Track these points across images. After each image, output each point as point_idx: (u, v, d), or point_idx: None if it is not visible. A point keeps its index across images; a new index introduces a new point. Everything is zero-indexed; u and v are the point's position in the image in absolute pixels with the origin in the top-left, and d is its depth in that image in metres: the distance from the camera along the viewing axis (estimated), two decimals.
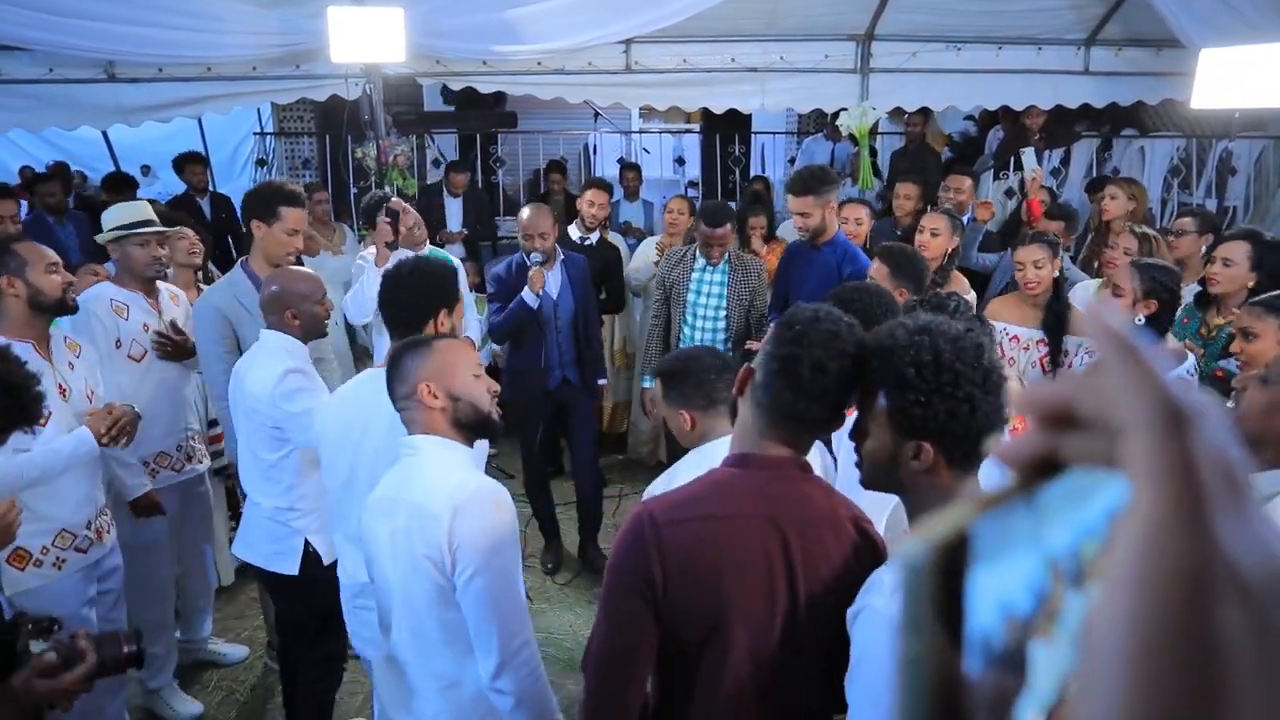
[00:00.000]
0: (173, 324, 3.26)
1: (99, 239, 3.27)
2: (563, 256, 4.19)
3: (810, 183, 3.68)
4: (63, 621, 1.75)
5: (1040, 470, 0.41)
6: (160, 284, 3.33)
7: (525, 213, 4.06)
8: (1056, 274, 3.29)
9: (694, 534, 1.48)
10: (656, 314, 4.34)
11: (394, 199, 3.91)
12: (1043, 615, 0.39)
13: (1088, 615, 0.35)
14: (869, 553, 1.54)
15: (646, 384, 4.34)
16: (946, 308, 2.41)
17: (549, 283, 4.08)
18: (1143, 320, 2.91)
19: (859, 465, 1.51)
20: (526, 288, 4.00)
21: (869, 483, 1.50)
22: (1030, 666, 0.38)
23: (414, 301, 2.42)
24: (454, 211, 6.36)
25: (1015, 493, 0.40)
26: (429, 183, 6.83)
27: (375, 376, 2.34)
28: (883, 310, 2.43)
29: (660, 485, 2.01)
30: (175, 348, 3.24)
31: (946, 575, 0.37)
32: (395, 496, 1.89)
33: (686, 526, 1.49)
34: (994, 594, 0.38)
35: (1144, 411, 0.36)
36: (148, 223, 3.20)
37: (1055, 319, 3.29)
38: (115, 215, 3.25)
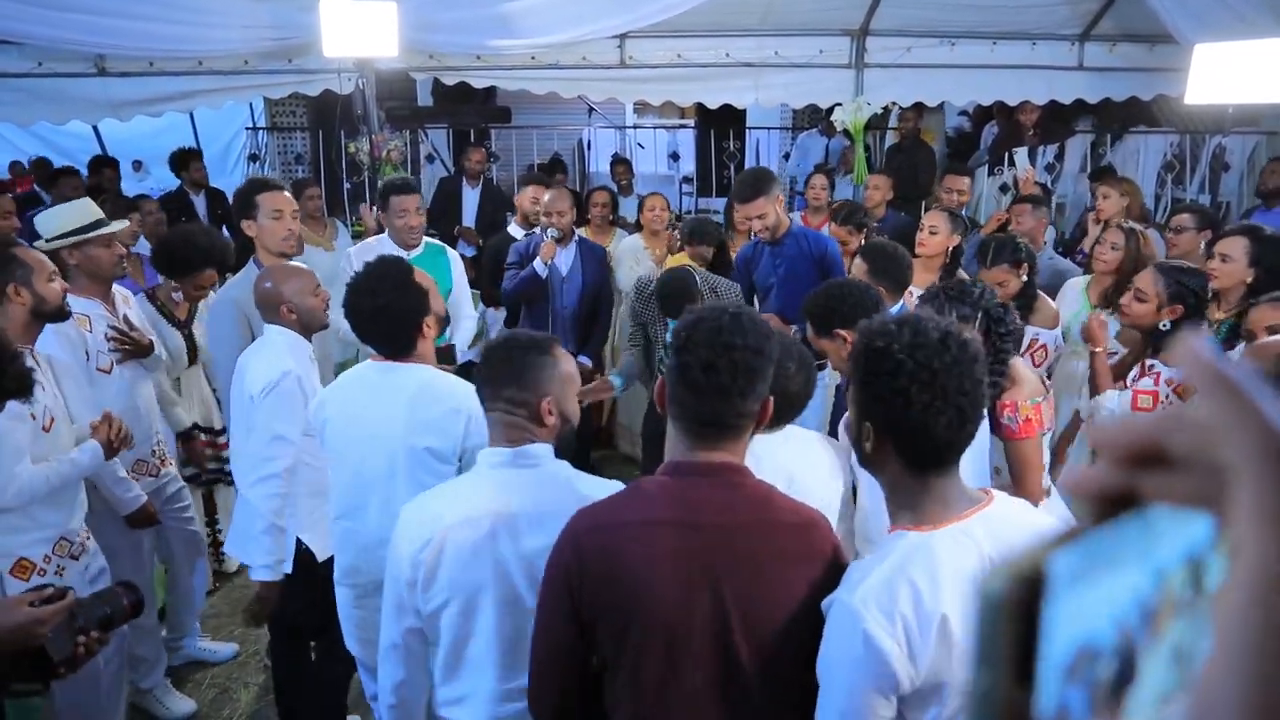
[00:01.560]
0: (125, 319, 3.17)
1: (45, 245, 2.93)
2: (578, 239, 4.51)
3: (758, 185, 3.69)
4: (73, 590, 1.73)
5: (1114, 506, 0.39)
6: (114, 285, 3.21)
7: (547, 195, 4.52)
8: (1025, 278, 3.27)
9: (607, 540, 1.50)
10: (633, 339, 4.15)
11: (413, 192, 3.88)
12: (1149, 632, 0.37)
13: (1200, 673, 0.33)
14: (820, 558, 1.50)
15: (617, 383, 4.17)
16: (971, 295, 2.38)
17: (561, 261, 4.43)
18: (1168, 326, 2.78)
19: None
20: (538, 258, 4.31)
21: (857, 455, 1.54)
22: (1133, 685, 0.37)
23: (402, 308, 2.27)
24: (470, 203, 6.25)
25: (1087, 528, 0.39)
26: (443, 176, 6.73)
27: (384, 370, 2.29)
28: (871, 305, 2.48)
29: None
30: (134, 345, 3.14)
31: (1024, 609, 0.36)
32: (545, 512, 1.71)
33: (602, 534, 1.51)
34: (1104, 609, 0.37)
35: (1252, 451, 0.33)
36: (100, 222, 3.04)
37: (1020, 310, 3.30)
38: (61, 219, 3.01)
